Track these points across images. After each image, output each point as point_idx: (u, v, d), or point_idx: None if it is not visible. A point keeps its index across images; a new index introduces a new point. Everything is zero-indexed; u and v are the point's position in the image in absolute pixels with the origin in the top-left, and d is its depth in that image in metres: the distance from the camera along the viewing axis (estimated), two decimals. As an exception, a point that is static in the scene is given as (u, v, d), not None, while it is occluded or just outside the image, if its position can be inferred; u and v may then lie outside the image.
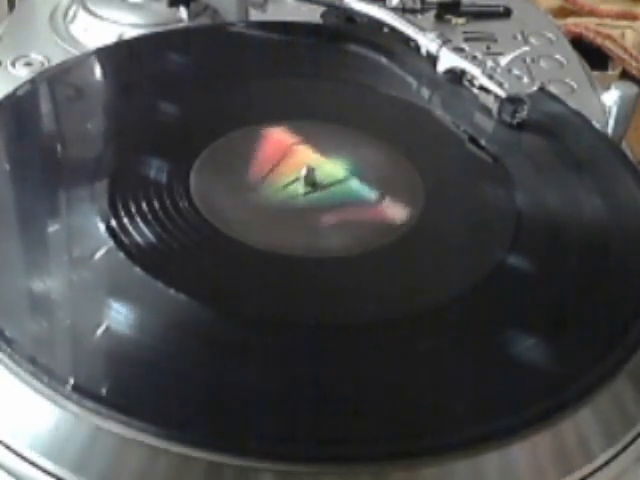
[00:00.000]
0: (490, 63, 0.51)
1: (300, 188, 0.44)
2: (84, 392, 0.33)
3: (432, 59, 0.53)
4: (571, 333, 0.38)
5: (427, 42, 0.53)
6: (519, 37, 0.63)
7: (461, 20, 0.64)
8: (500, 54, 0.53)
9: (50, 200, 0.42)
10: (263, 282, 0.39)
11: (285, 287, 0.39)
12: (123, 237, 0.40)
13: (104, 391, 0.33)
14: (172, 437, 0.32)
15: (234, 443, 0.32)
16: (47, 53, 0.57)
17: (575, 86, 0.58)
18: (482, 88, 0.51)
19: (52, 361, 0.34)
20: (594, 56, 0.71)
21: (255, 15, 0.61)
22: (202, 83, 0.51)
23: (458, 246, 0.42)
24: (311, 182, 0.44)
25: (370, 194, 0.45)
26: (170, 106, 0.49)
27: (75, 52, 0.56)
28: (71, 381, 0.33)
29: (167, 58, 0.53)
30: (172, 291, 0.37)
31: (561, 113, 0.51)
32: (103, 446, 0.33)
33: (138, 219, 0.41)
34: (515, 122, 0.49)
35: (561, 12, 0.82)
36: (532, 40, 0.63)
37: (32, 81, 0.49)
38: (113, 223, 0.40)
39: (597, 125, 0.51)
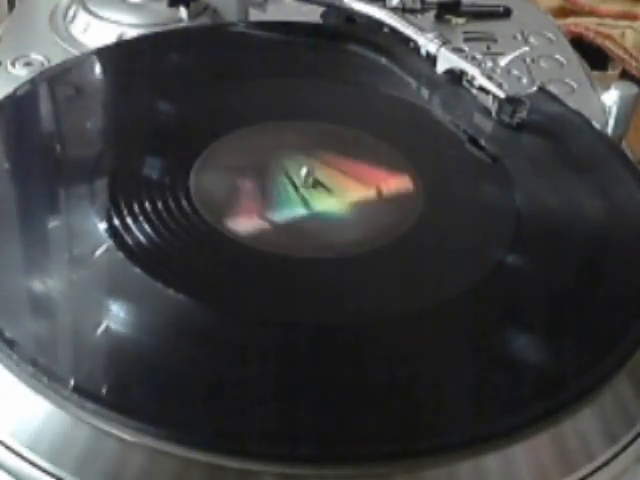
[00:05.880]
0: (489, 63, 0.51)
1: (300, 188, 0.44)
2: (84, 393, 0.33)
3: (432, 59, 0.53)
4: (571, 333, 0.38)
5: (427, 42, 0.53)
6: (519, 37, 0.63)
7: (461, 20, 0.64)
8: (500, 54, 0.53)
9: (50, 200, 0.42)
10: (263, 282, 0.39)
11: (285, 287, 0.39)
12: (123, 237, 0.40)
13: (104, 392, 0.33)
14: (172, 438, 0.32)
15: (235, 445, 0.32)
16: (47, 53, 0.57)
17: (575, 86, 0.57)
18: (481, 88, 0.51)
19: (52, 362, 0.34)
20: (594, 56, 0.71)
21: (255, 15, 0.61)
22: (202, 83, 0.51)
23: (458, 246, 0.42)
24: (311, 182, 0.44)
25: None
26: (170, 106, 0.49)
27: (75, 52, 0.56)
28: (71, 382, 0.33)
29: (167, 58, 0.53)
30: (171, 291, 0.37)
31: (561, 113, 0.51)
32: (103, 447, 0.33)
33: (138, 219, 0.41)
34: (514, 122, 0.49)
35: (561, 12, 0.82)
36: (532, 40, 0.63)
37: (32, 81, 0.49)
38: (113, 223, 0.40)
39: (597, 125, 0.51)
